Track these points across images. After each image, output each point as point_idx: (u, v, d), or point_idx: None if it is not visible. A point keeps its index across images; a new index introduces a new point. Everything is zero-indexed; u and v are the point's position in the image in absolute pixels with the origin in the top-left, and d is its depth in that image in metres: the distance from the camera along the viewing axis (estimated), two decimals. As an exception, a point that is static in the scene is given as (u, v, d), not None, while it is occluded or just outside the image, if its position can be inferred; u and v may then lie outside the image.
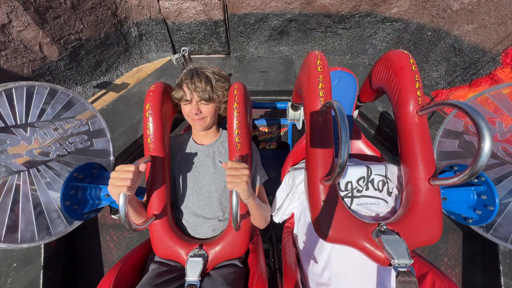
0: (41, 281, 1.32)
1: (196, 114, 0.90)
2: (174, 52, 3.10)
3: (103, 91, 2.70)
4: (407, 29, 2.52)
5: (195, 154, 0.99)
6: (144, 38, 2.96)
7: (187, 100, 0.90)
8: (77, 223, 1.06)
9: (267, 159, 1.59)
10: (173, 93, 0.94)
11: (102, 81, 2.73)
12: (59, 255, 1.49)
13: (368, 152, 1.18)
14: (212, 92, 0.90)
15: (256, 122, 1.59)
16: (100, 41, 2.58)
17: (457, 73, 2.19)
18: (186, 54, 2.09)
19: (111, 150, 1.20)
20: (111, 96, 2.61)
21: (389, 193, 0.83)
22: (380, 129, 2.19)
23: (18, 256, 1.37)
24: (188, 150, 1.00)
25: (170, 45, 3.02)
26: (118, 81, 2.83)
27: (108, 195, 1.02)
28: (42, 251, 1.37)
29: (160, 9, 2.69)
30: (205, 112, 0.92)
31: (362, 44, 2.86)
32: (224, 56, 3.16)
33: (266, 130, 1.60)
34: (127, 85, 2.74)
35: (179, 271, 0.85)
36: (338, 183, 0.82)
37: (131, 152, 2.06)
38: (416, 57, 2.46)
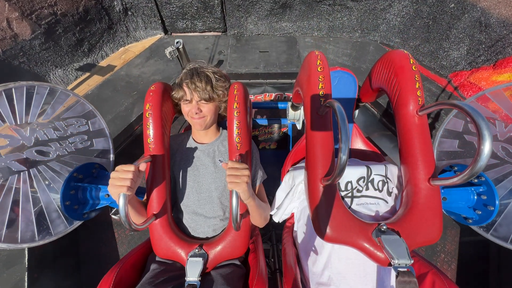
0: (26, 283, 1.27)
1: (196, 113, 0.90)
2: (165, 30, 2.82)
3: (87, 74, 2.44)
4: (426, 1, 2.23)
5: (195, 153, 0.99)
6: (129, 13, 2.60)
7: (187, 100, 0.90)
8: (77, 223, 1.06)
9: (267, 159, 1.59)
10: (173, 93, 0.94)
11: (85, 63, 2.47)
12: (45, 255, 1.43)
13: (368, 152, 1.18)
14: (212, 91, 0.90)
15: (256, 122, 1.59)
16: (78, 17, 2.25)
17: (480, 52, 1.96)
18: (180, 47, 1.97)
19: (111, 149, 1.20)
20: (95, 80, 2.37)
21: (389, 193, 0.83)
22: (388, 113, 2.09)
23: (0, 258, 1.31)
24: (188, 149, 1.00)
25: (160, 21, 2.71)
26: (103, 63, 2.57)
27: (108, 195, 1.02)
28: (26, 252, 1.31)
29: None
30: (205, 112, 0.92)
31: (374, 19, 2.56)
32: (220, 33, 2.85)
33: (266, 130, 1.60)
34: (114, 67, 2.49)
35: (180, 271, 0.85)
36: (338, 183, 0.82)
37: (119, 143, 1.95)
38: (435, 34, 2.23)
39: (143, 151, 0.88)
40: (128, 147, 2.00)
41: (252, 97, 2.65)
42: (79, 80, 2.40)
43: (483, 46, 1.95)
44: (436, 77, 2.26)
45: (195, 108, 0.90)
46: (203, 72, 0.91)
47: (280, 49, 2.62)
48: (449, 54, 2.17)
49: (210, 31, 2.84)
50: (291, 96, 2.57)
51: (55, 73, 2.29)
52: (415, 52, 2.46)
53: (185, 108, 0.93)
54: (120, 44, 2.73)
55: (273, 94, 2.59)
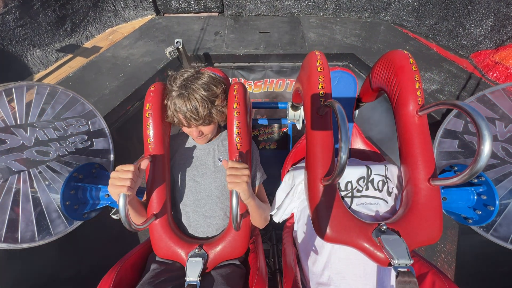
0: None
1: (199, 136, 0.89)
2: (157, 10, 2.62)
3: (69, 56, 2.26)
4: (445, -27, 2.00)
5: (195, 152, 0.99)
6: (117, -10, 2.37)
7: (185, 125, 0.87)
8: (77, 223, 1.06)
9: (267, 159, 1.59)
10: (167, 118, 0.87)
11: (67, 43, 2.27)
12: (11, 256, 1.27)
13: (368, 152, 1.18)
14: (210, 116, 0.84)
15: (256, 122, 1.59)
16: (58, -9, 2.01)
17: (508, 28, 1.75)
18: (180, 47, 1.90)
19: (111, 149, 1.20)
20: (78, 62, 2.20)
21: (389, 193, 0.83)
22: None
23: None
24: (187, 149, 1.00)
25: (151, 0, 2.53)
26: (88, 45, 2.38)
27: (108, 195, 1.02)
28: None
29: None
30: (207, 132, 0.90)
31: (386, -4, 2.33)
32: (216, 14, 2.65)
33: (266, 130, 1.60)
34: (99, 49, 2.31)
35: (180, 271, 0.85)
36: (338, 183, 0.82)
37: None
38: (454, 10, 2.02)
39: (129, 140, 0.85)
40: (114, 132, 1.85)
41: (251, 83, 2.48)
42: (60, 62, 2.22)
43: (511, 21, 1.75)
44: (456, 57, 2.10)
45: (196, 132, 0.87)
46: (195, 98, 0.80)
47: (282, 29, 2.45)
48: (470, 32, 1.97)
49: (206, 12, 2.65)
50: (293, 82, 2.44)
51: (33, 54, 2.09)
52: (432, 31, 2.29)
53: (184, 129, 0.90)
54: (107, 25, 2.53)
55: (275, 80, 2.42)
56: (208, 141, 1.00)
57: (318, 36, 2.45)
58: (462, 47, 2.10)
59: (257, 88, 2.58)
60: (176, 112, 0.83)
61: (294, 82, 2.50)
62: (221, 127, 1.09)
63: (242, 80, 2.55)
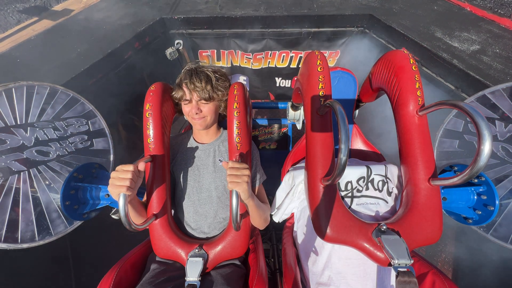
0: None
1: (197, 113, 0.91)
2: None
3: (34, 18, 1.99)
4: None
5: (196, 152, 1.00)
6: None
7: (186, 100, 0.91)
8: (77, 223, 1.06)
9: (267, 159, 1.59)
10: (173, 93, 0.95)
11: (32, 5, 2.03)
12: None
13: (368, 152, 1.18)
14: (212, 91, 0.91)
15: (256, 122, 1.59)
16: None
17: None
18: (180, 48, 1.91)
19: (111, 149, 1.20)
20: (44, 25, 1.92)
21: (389, 193, 0.83)
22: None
23: None
24: (188, 149, 1.01)
25: None
26: (57, 7, 2.09)
27: (108, 195, 1.02)
28: None
29: None
30: (205, 112, 0.92)
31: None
32: None
33: (266, 130, 1.60)
34: (71, 12, 2.02)
35: (180, 271, 0.85)
36: (338, 183, 0.82)
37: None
38: None
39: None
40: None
41: (250, 56, 2.21)
42: (22, 24, 1.93)
43: None
44: (496, 17, 1.89)
45: (195, 108, 0.90)
46: (202, 72, 0.91)
47: (287, -9, 2.14)
48: (512, -15, 1.71)
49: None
50: (299, 56, 2.20)
51: (-12, 14, 1.74)
52: (463, -11, 2.03)
53: (185, 108, 0.93)
54: (82, -14, 2.17)
55: (277, 52, 2.10)
56: (207, 128, 1.00)
57: (328, -4, 2.15)
58: (502, 5, 1.87)
59: (256, 62, 2.28)
60: (181, 82, 0.92)
61: (300, 55, 2.17)
62: (221, 123, 1.09)
63: (240, 53, 2.27)
